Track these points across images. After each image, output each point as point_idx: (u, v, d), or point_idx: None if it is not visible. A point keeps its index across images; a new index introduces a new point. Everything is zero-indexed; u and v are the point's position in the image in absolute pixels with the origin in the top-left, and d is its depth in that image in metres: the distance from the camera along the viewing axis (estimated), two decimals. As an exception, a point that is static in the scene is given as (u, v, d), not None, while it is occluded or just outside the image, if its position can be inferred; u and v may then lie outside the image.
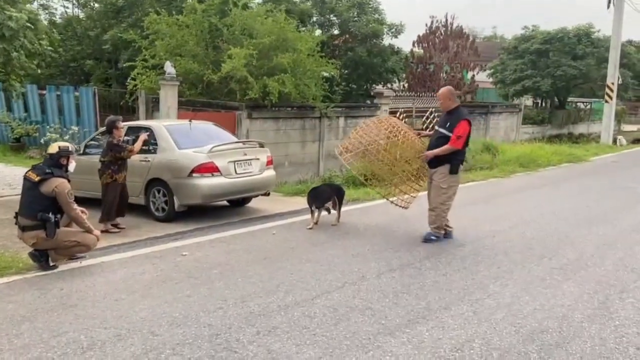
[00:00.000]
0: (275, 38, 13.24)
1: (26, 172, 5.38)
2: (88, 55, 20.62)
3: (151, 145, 7.94)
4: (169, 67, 12.10)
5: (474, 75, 25.14)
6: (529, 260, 5.65)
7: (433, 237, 6.32)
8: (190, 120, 8.57)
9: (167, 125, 8.28)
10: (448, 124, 6.25)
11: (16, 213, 5.32)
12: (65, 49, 19.91)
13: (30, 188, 5.21)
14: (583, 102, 32.86)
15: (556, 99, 29.93)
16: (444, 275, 5.11)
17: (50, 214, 5.09)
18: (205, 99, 14.15)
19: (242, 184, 7.97)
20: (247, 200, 8.80)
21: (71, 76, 21.60)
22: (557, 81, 26.36)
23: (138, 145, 7.34)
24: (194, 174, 7.53)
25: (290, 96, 13.64)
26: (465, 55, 24.69)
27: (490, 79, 29.72)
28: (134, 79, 14.08)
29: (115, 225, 7.28)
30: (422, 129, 19.48)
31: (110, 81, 20.39)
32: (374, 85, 22.81)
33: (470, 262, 5.54)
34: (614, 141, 22.41)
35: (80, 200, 6.08)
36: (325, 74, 16.26)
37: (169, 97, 12.25)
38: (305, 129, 14.98)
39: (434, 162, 6.31)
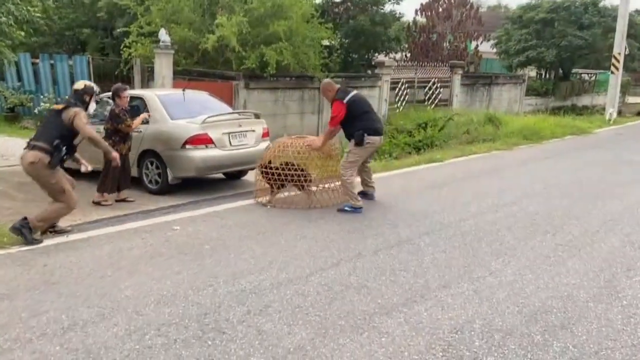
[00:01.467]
0: (270, 5, 12.84)
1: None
2: (83, 23, 20.14)
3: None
4: (163, 35, 11.75)
5: (477, 45, 24.62)
6: (533, 236, 5.46)
7: (347, 208, 6.29)
8: (183, 90, 8.30)
9: (159, 94, 8.02)
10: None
11: (29, 140, 5.31)
12: (60, 16, 19.43)
13: (52, 116, 5.44)
14: (587, 74, 32.33)
15: (560, 70, 29.40)
16: (444, 252, 4.92)
17: (64, 146, 5.21)
18: (201, 68, 13.83)
19: (237, 156, 7.75)
20: (243, 173, 8.59)
21: (67, 45, 21.15)
22: (562, 51, 25.83)
23: (137, 121, 7.11)
24: (187, 146, 7.31)
25: (289, 67, 13.30)
26: (469, 25, 24.15)
27: (494, 50, 29.17)
28: (128, 47, 13.73)
29: (124, 199, 7.12)
30: (425, 100, 19.30)
31: (107, 50, 19.95)
32: (375, 54, 22.34)
33: (472, 238, 5.35)
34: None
35: (79, 174, 5.85)
36: (325, 43, 15.86)
37: (163, 66, 11.93)
38: (304, 99, 14.68)
39: (348, 137, 6.50)
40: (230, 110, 8.63)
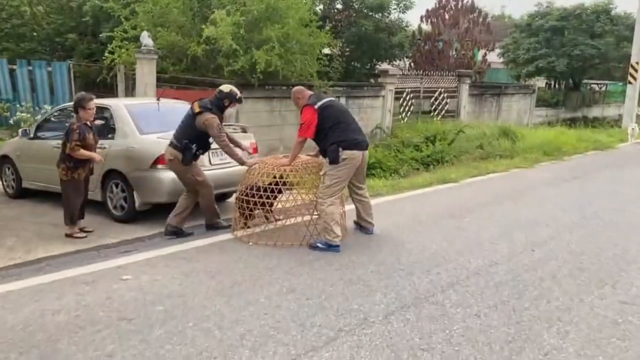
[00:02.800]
0: (264, 7, 11.69)
1: (194, 102, 5.79)
2: (72, 28, 19.06)
3: (109, 127, 6.53)
4: (145, 38, 10.59)
5: (485, 54, 23.48)
6: (587, 288, 4.24)
7: (319, 244, 5.13)
8: (158, 99, 7.12)
9: (128, 104, 6.83)
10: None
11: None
12: (49, 21, 18.36)
13: (189, 116, 5.67)
14: (597, 84, 31.19)
15: (570, 81, 28.25)
16: (477, 316, 3.70)
17: (194, 145, 5.54)
18: (190, 75, 12.67)
19: (219, 177, 6.52)
20: (227, 195, 7.37)
21: (57, 52, 20.05)
22: (573, 61, 24.70)
23: (85, 153, 5.70)
24: (158, 166, 6.11)
25: (278, 72, 12.11)
26: (476, 32, 23.02)
27: (501, 59, 28.06)
28: (112, 52, 12.59)
29: (82, 229, 5.92)
30: (430, 111, 18.12)
31: (96, 56, 18.83)
32: (378, 63, 21.22)
33: (509, 292, 4.13)
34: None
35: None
36: (326, 51, 14.73)
37: (145, 72, 10.77)
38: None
39: (323, 154, 5.46)
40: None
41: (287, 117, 13.05)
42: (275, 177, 5.39)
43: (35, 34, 18.04)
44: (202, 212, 5.87)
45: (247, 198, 5.47)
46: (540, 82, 29.47)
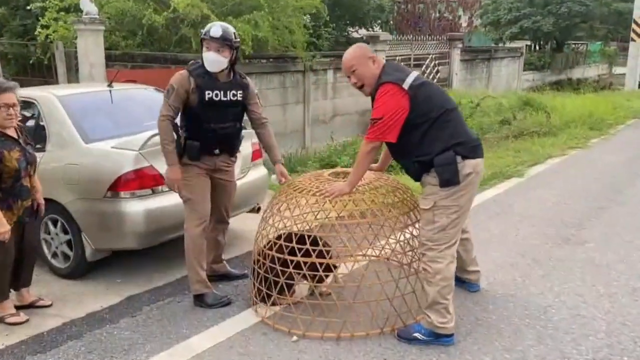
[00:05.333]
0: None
1: None
2: (1, 2, 16.12)
3: (38, 133, 4.25)
4: (87, 5, 8.14)
5: (472, 15, 21.51)
6: None
7: (418, 335, 3.10)
8: (110, 84, 4.84)
9: (63, 95, 4.52)
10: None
11: None
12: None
13: None
14: (576, 44, 29.72)
15: (554, 42, 26.65)
16: None
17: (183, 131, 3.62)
18: (148, 50, 10.26)
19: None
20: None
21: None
22: (560, 20, 23.01)
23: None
24: (119, 192, 3.89)
25: (266, 44, 9.87)
26: (460, -8, 21.04)
27: (479, 21, 26.21)
28: (46, 26, 10.05)
29: (32, 304, 3.72)
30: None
31: (31, 33, 15.98)
32: (356, 28, 19.00)
33: None
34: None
35: None
36: (307, 16, 12.41)
37: (90, 49, 8.35)
38: (285, 87, 11.26)
39: (414, 172, 3.18)
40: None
41: (269, 97, 10.78)
42: (326, 218, 3.24)
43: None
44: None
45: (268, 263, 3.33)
46: (519, 45, 27.81)
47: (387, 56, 13.92)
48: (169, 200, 4.01)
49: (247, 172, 4.73)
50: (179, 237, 3.91)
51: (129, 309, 3.68)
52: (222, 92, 3.55)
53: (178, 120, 3.57)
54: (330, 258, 3.27)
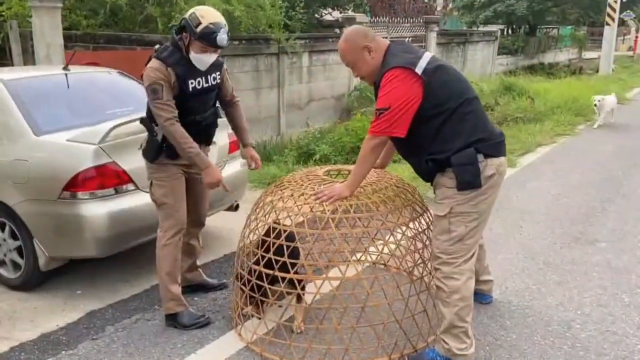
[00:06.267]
0: None
1: None
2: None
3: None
4: (41, -22, 7.40)
5: (447, -2, 21.15)
6: None
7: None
8: (66, 66, 4.24)
9: (10, 79, 3.90)
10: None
11: None
12: None
13: None
14: (547, 28, 29.70)
15: (527, 26, 26.56)
16: None
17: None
18: (112, 31, 9.56)
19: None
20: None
21: None
22: (534, 3, 22.86)
23: None
24: (76, 192, 3.34)
25: (240, 25, 9.29)
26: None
27: (450, 5, 25.91)
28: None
29: None
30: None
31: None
32: (328, 9, 18.40)
33: None
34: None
35: None
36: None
37: (46, 28, 7.63)
38: (259, 70, 10.66)
39: (426, 171, 2.70)
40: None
41: (242, 81, 10.21)
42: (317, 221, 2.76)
43: None
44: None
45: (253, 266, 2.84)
46: (493, 29, 27.63)
47: (363, 39, 13.46)
48: (136, 200, 3.47)
49: (224, 165, 4.21)
50: (148, 241, 3.41)
51: (89, 328, 3.16)
52: (203, 78, 3.04)
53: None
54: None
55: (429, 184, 2.75)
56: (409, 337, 2.73)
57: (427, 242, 2.88)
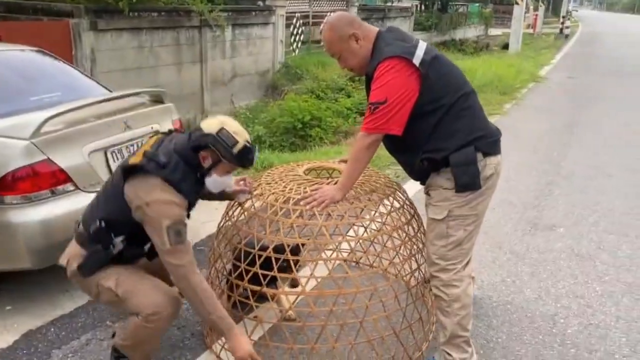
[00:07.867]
0: None
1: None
2: None
3: None
4: None
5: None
6: None
7: None
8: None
9: None
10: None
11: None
12: None
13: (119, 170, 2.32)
14: (459, 5, 30.51)
15: (439, 2, 27.13)
16: None
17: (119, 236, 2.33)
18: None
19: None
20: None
21: None
22: (446, -21, 23.31)
23: None
24: (4, 196, 2.84)
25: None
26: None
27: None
28: None
29: None
30: (320, 40, 15.38)
31: None
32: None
33: None
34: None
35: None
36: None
37: (-64, -7, 6.64)
38: (180, 44, 10.03)
39: (420, 171, 2.49)
40: (103, 90, 4.03)
41: (162, 56, 9.57)
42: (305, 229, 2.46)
43: None
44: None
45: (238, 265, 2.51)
46: (408, 4, 27.98)
47: (286, 12, 13.04)
48: (76, 203, 3.00)
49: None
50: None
51: (31, 354, 2.69)
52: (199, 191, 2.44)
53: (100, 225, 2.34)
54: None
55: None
56: (406, 348, 2.53)
57: (421, 247, 2.68)
